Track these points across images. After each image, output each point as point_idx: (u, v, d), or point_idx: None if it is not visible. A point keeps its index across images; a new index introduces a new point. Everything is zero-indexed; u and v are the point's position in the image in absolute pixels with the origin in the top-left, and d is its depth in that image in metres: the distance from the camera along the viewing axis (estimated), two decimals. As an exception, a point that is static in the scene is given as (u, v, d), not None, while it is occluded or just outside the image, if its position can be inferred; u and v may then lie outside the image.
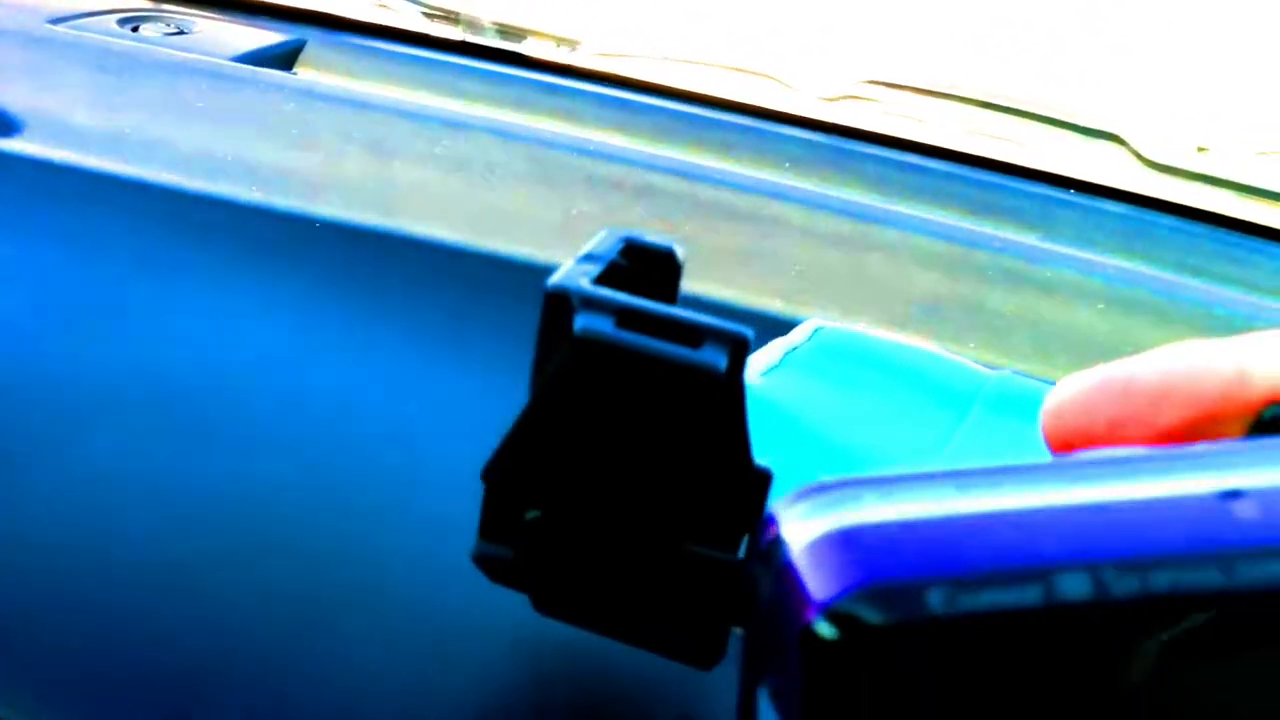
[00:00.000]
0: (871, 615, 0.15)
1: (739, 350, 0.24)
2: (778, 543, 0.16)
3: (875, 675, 0.15)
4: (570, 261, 0.26)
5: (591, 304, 0.25)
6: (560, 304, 0.25)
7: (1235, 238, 0.61)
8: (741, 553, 0.26)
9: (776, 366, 0.41)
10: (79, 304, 0.44)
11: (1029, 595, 0.15)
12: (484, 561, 0.28)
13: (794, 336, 0.43)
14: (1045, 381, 0.41)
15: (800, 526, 0.16)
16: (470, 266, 0.50)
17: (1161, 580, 0.15)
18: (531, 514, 0.27)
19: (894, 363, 0.42)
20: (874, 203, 0.59)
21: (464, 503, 0.28)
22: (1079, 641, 0.15)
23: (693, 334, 0.24)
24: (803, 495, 0.16)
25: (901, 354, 0.43)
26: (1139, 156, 0.66)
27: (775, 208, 0.57)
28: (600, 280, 0.26)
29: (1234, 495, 0.15)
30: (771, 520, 0.16)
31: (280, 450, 0.36)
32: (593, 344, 0.24)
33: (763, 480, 0.26)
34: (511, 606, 0.28)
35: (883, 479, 0.16)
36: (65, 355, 0.40)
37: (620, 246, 0.28)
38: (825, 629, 0.15)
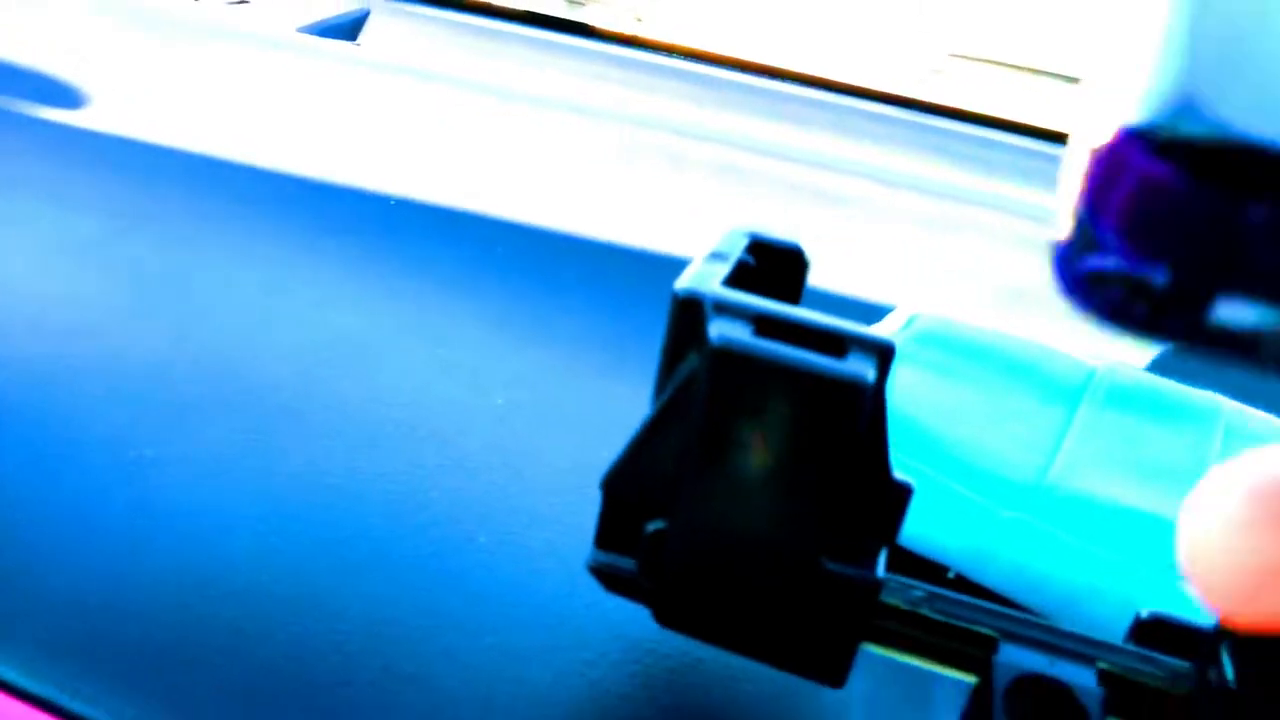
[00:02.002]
0: None
1: (885, 360, 0.22)
2: None
3: None
4: (697, 261, 0.24)
5: (726, 309, 0.23)
6: (691, 309, 0.23)
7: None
8: (880, 570, 0.24)
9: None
10: (133, 276, 0.42)
11: None
12: (601, 572, 0.26)
13: (888, 324, 0.42)
14: (1153, 370, 0.39)
15: None
16: (539, 246, 0.48)
17: None
18: (655, 525, 0.25)
19: (994, 352, 0.40)
20: (963, 182, 0.57)
21: (559, 500, 0.26)
22: None
23: (836, 342, 0.22)
24: None
25: (1001, 342, 0.41)
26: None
27: (859, 186, 0.55)
28: (729, 282, 0.24)
29: None
30: None
31: (356, 439, 0.35)
32: (731, 354, 0.22)
33: (903, 494, 0.25)
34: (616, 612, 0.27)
35: None
36: (124, 329, 0.39)
37: (746, 244, 0.26)
38: None
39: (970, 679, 0.24)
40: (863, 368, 0.22)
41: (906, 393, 0.37)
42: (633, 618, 0.27)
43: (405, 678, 0.27)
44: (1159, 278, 0.15)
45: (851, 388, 0.22)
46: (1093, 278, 0.15)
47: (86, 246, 0.43)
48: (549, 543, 0.31)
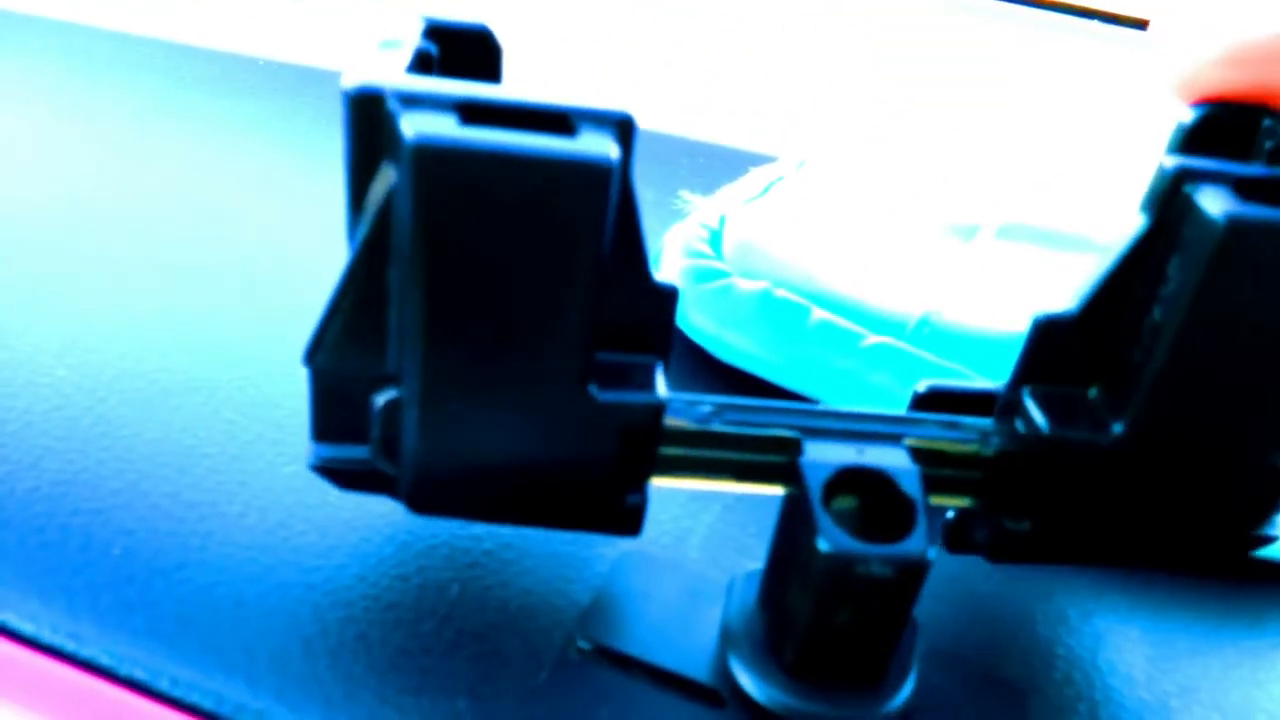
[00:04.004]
0: None
1: (625, 133, 0.19)
2: None
3: None
4: (363, 54, 0.20)
5: (418, 101, 0.18)
6: (372, 109, 0.18)
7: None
8: (659, 391, 0.21)
9: (758, 196, 0.37)
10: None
11: None
12: (328, 469, 0.22)
13: (777, 167, 0.40)
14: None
15: None
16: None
17: None
18: (385, 395, 0.21)
19: (889, 192, 0.38)
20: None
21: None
22: None
23: (562, 121, 0.18)
24: None
25: (896, 178, 0.39)
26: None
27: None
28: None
29: None
30: None
31: (183, 281, 0.33)
32: (436, 152, 0.18)
33: (668, 299, 0.21)
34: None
35: None
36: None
37: (424, 29, 0.22)
38: None
39: (779, 491, 0.22)
40: (600, 145, 0.18)
41: (797, 234, 0.35)
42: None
43: (192, 504, 0.25)
44: None
45: (591, 170, 0.18)
46: None
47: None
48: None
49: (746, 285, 0.32)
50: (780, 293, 0.32)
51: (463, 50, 0.22)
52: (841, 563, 0.19)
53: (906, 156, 0.42)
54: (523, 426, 0.21)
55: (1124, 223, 0.33)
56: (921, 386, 0.23)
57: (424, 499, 0.22)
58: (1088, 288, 0.21)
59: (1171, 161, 0.20)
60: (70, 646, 0.22)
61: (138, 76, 0.47)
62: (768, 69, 0.52)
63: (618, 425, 0.21)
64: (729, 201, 0.37)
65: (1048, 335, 0.22)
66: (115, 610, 0.23)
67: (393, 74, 0.19)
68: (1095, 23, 0.63)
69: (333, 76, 0.47)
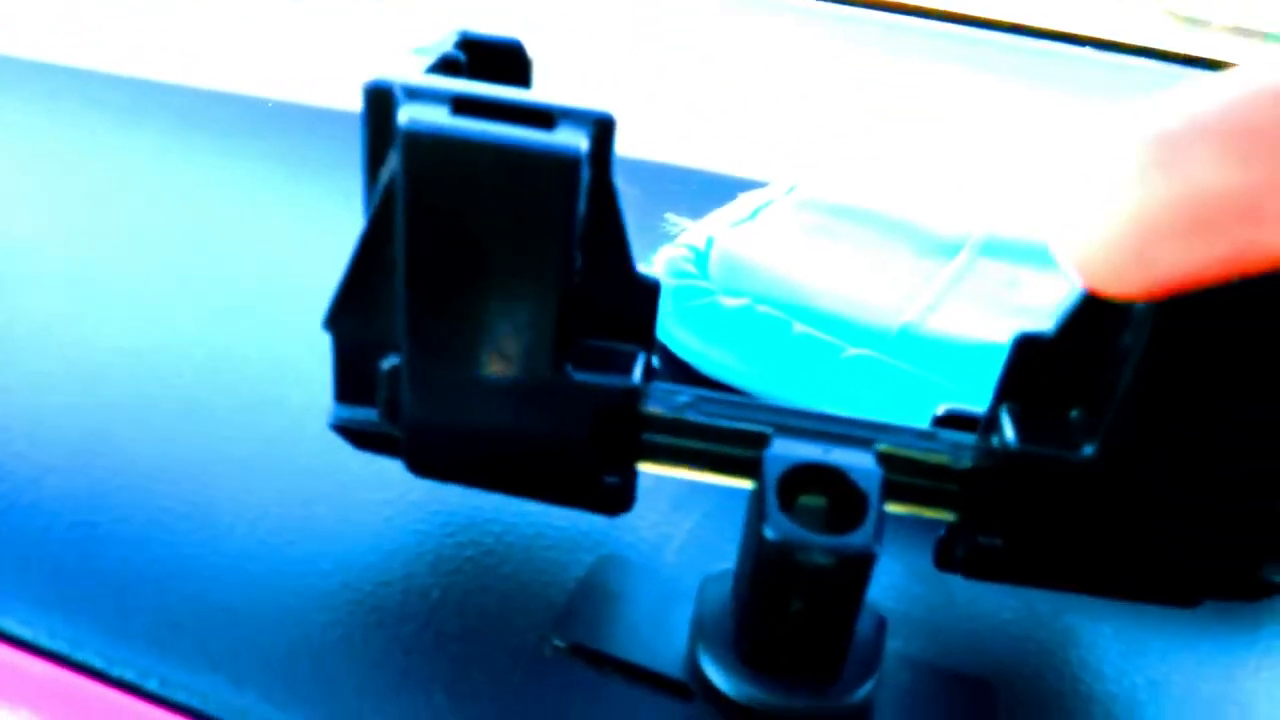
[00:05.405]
0: None
1: (602, 131, 0.20)
2: None
3: None
4: (393, 56, 0.22)
5: (419, 94, 0.20)
6: (383, 102, 0.21)
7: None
8: (636, 377, 0.23)
9: (746, 220, 0.38)
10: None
11: None
12: (345, 428, 0.24)
13: (767, 192, 0.40)
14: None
15: None
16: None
17: None
18: (389, 361, 0.23)
19: (873, 213, 0.39)
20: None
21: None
22: None
23: (543, 117, 0.20)
24: None
25: (882, 203, 0.40)
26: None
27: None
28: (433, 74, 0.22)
29: None
30: None
31: (185, 313, 0.34)
32: (425, 138, 0.20)
33: (650, 291, 0.23)
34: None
35: None
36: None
37: (455, 40, 0.24)
38: None
39: (749, 484, 0.23)
40: (573, 138, 0.20)
41: (782, 253, 0.36)
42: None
43: (185, 517, 0.26)
44: None
45: (560, 161, 0.20)
46: None
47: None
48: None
49: (730, 302, 0.33)
50: (762, 309, 0.33)
51: (493, 62, 0.24)
52: (785, 550, 0.20)
53: (892, 176, 0.43)
54: (504, 399, 0.23)
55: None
56: (940, 410, 0.23)
57: (420, 461, 0.24)
58: (1065, 308, 0.22)
59: None
60: (66, 650, 0.23)
61: (144, 119, 0.48)
62: (757, 94, 0.54)
63: (592, 406, 0.23)
64: (716, 224, 0.38)
65: (1027, 353, 0.22)
66: (110, 616, 0.24)
67: (408, 72, 0.21)
68: (1072, 46, 0.65)
69: (335, 115, 0.50)
